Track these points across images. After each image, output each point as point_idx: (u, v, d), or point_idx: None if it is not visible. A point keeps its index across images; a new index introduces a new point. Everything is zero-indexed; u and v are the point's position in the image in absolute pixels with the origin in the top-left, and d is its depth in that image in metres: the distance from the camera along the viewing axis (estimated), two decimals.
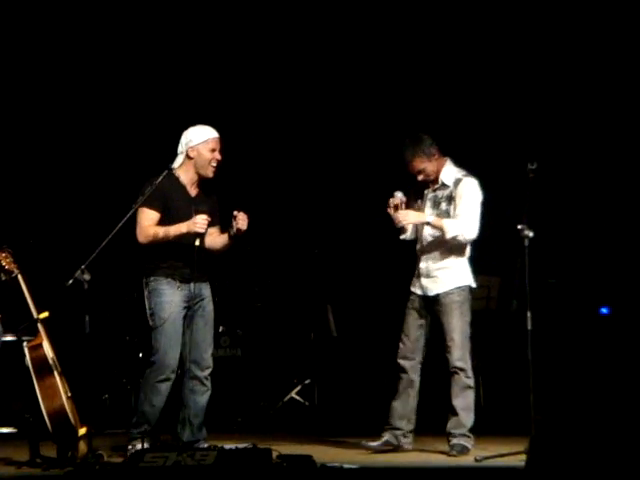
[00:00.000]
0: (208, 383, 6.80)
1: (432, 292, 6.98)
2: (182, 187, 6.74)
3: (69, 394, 6.47)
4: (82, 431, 6.42)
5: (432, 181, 7.01)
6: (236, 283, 9.30)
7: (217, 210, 6.90)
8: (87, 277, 6.37)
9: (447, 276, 6.95)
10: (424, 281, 7.01)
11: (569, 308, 9.44)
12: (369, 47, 9.65)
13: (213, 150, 6.69)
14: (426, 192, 7.05)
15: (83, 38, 9.45)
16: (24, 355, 6.47)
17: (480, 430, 8.15)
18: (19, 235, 8.13)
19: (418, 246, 7.08)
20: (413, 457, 6.80)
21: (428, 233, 6.98)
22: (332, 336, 9.55)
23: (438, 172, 6.97)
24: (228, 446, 6.09)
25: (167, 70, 9.69)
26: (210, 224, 6.72)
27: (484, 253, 9.38)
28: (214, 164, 6.71)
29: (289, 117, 9.90)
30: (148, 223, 6.64)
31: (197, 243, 6.61)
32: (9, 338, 7.01)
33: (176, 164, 6.76)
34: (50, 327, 6.58)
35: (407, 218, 6.92)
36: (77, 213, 9.55)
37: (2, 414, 7.81)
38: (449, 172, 6.99)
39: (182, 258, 6.65)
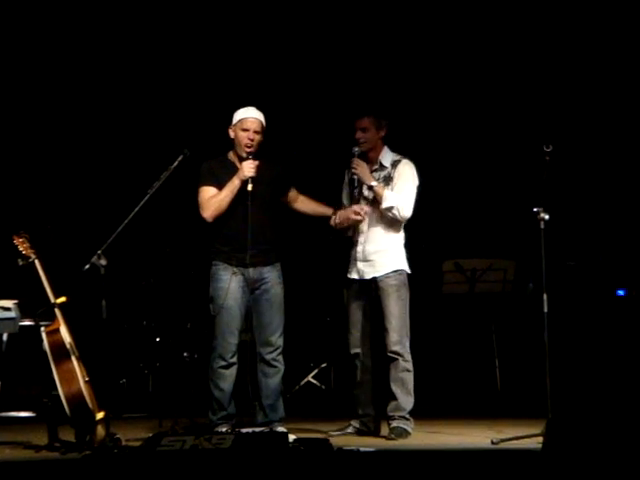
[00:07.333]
0: (278, 364, 6.85)
1: (369, 275, 7.01)
2: (232, 164, 6.83)
3: (87, 378, 6.50)
4: (100, 415, 6.45)
5: (369, 161, 7.01)
6: None
7: (289, 174, 7.03)
8: (104, 262, 6.39)
9: (383, 260, 6.98)
10: (360, 265, 7.03)
11: (585, 290, 9.41)
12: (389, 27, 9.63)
13: (245, 130, 6.75)
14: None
15: (105, 32, 9.48)
16: (42, 340, 6.51)
17: (497, 413, 8.18)
18: (36, 220, 8.16)
19: (351, 231, 7.08)
20: (429, 440, 6.81)
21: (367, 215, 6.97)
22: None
23: (375, 148, 6.99)
24: (245, 430, 6.11)
25: (190, 59, 9.69)
26: (283, 189, 6.95)
27: (500, 236, 9.42)
28: (247, 143, 6.74)
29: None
30: (208, 196, 6.72)
31: (250, 188, 6.68)
32: (27, 323, 7.03)
33: None
34: (67, 312, 6.61)
35: (360, 168, 6.92)
36: (94, 198, 9.57)
37: (21, 398, 7.85)
38: (387, 155, 7.04)
39: (239, 241, 6.71)
